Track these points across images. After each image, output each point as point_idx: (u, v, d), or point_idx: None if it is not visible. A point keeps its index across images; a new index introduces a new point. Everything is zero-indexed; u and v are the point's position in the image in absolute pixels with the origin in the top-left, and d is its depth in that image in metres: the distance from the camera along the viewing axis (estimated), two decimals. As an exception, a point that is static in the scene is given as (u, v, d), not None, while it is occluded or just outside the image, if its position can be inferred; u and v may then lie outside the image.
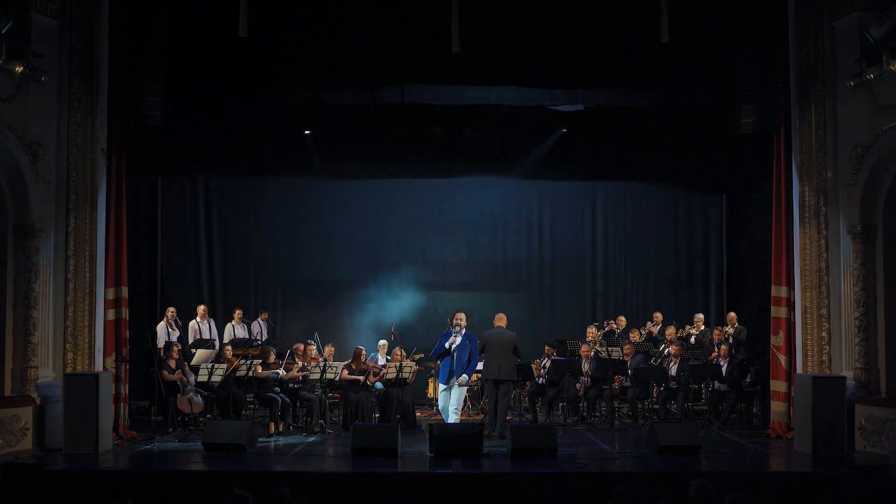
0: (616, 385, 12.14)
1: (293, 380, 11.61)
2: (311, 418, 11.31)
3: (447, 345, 10.49)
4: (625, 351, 12.44)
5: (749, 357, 12.37)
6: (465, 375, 10.71)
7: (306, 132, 14.58)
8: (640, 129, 14.16)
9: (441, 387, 10.51)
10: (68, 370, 9.99)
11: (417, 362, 12.47)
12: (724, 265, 14.97)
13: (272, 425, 11.17)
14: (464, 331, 10.60)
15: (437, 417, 12.41)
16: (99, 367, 10.26)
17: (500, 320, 11.15)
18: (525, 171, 15.22)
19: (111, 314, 10.59)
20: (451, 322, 10.67)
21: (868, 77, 9.67)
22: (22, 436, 9.48)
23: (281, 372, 11.47)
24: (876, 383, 9.93)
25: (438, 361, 10.59)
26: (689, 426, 10.22)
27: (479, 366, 11.25)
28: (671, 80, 12.65)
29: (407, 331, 14.37)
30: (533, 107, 13.82)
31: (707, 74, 12.56)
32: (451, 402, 10.59)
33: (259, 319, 13.48)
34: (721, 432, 11.15)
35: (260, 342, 12.88)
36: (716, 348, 12.27)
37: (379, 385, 11.74)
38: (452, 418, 10.55)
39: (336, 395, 12.09)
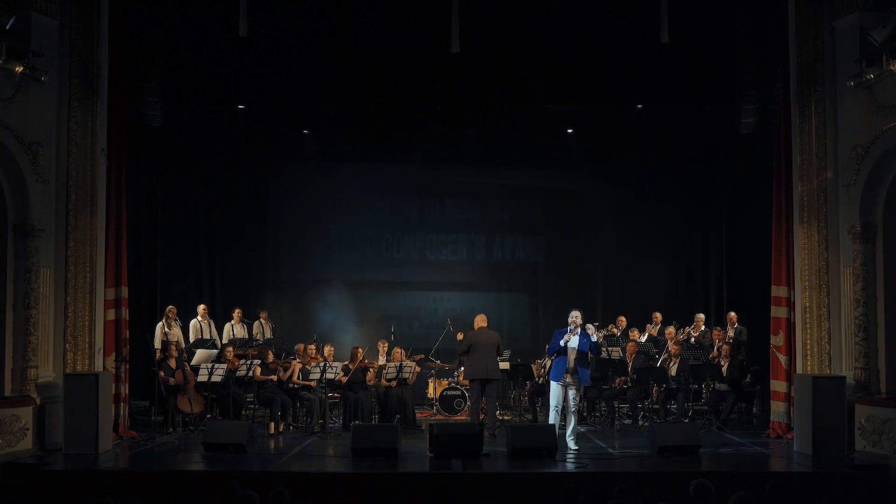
0: (616, 385, 12.13)
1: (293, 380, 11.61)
2: (311, 418, 11.32)
3: (562, 342, 9.86)
4: (627, 350, 12.43)
5: (749, 357, 12.36)
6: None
7: (305, 132, 14.59)
8: (640, 129, 14.16)
9: (553, 384, 9.92)
10: (68, 370, 9.97)
11: (418, 362, 12.47)
12: (724, 265, 14.96)
13: (272, 425, 11.18)
14: (579, 328, 9.94)
15: (437, 417, 12.40)
16: (99, 367, 10.24)
17: (482, 321, 11.17)
18: (525, 170, 15.22)
19: (111, 314, 10.57)
20: (571, 321, 9.84)
21: (868, 77, 9.65)
22: (22, 436, 9.47)
23: (280, 371, 11.47)
24: (876, 383, 9.91)
25: (551, 359, 10.12)
26: (689, 426, 10.21)
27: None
28: (671, 81, 12.65)
29: (407, 331, 14.38)
30: (533, 107, 13.84)
31: (707, 75, 12.56)
32: (571, 400, 9.92)
33: (260, 319, 13.48)
34: (721, 432, 11.16)
35: (259, 342, 12.87)
36: (716, 349, 12.26)
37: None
38: (571, 419, 9.96)
39: (336, 395, 12.09)
